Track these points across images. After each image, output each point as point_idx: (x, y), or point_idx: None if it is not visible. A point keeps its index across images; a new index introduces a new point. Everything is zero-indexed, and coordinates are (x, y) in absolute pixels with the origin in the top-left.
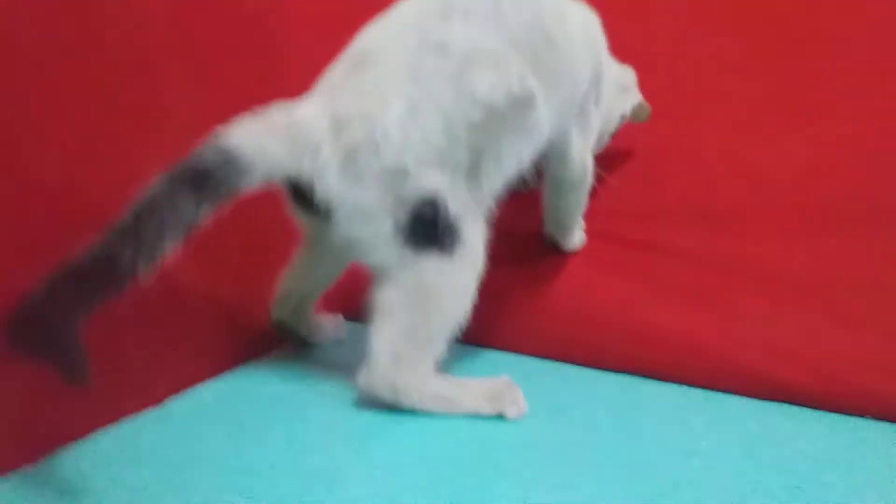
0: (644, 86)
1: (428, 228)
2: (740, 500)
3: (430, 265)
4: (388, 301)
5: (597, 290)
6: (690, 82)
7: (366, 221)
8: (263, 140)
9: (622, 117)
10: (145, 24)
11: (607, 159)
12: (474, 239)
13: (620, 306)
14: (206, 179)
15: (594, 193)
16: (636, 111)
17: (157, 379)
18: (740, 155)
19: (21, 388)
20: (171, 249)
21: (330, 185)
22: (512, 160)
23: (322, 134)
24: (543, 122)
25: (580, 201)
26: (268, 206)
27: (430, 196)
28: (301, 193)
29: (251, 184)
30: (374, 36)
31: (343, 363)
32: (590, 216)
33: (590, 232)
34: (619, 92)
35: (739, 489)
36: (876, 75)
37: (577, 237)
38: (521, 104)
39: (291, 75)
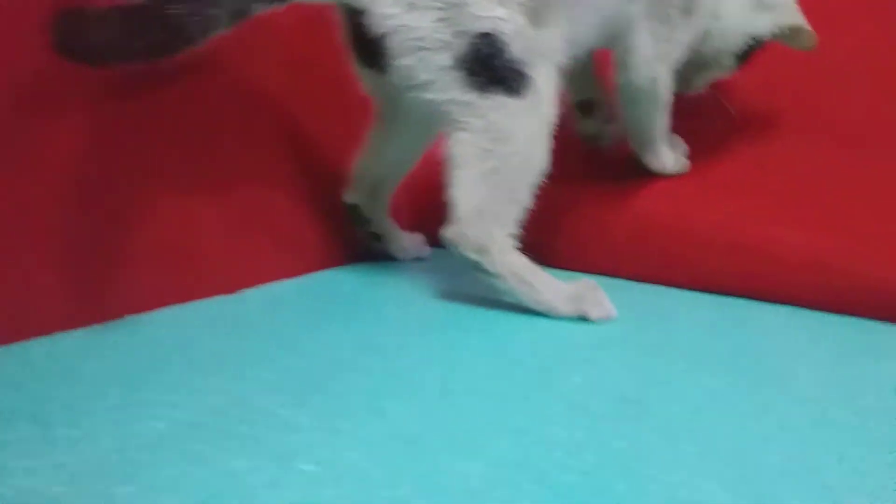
0: None
1: (490, 64)
2: None
3: (498, 106)
4: (461, 148)
5: (700, 206)
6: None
7: (423, 52)
8: None
9: (754, 38)
10: None
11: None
12: (544, 86)
13: (726, 222)
14: None
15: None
16: (790, 36)
17: (234, 269)
18: (863, 65)
19: (100, 249)
20: (221, 27)
21: (387, 9)
22: (571, 16)
23: None
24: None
25: (652, 116)
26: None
27: (489, 30)
28: (362, 39)
29: None
30: None
31: (427, 281)
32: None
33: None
34: (752, 8)
35: None
36: None
37: (666, 159)
38: None
39: None
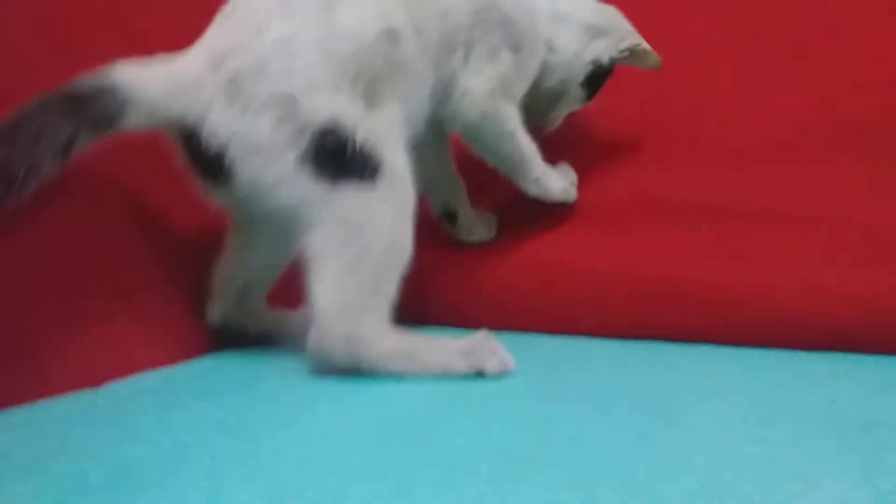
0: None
1: (337, 157)
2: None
3: (351, 197)
4: (317, 246)
5: (599, 248)
6: (691, 24)
7: (265, 155)
8: (145, 76)
9: (595, 65)
10: None
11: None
12: (397, 166)
13: (628, 263)
14: (82, 103)
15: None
16: (633, 58)
17: (98, 359)
18: (748, 93)
19: None
20: (48, 168)
21: (218, 120)
22: (400, 92)
23: (202, 71)
24: (415, 58)
25: (504, 149)
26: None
27: (331, 122)
28: (199, 153)
29: (133, 121)
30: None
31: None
32: (583, 168)
33: (585, 186)
34: (585, 36)
35: None
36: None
37: (548, 183)
38: (385, 39)
39: None
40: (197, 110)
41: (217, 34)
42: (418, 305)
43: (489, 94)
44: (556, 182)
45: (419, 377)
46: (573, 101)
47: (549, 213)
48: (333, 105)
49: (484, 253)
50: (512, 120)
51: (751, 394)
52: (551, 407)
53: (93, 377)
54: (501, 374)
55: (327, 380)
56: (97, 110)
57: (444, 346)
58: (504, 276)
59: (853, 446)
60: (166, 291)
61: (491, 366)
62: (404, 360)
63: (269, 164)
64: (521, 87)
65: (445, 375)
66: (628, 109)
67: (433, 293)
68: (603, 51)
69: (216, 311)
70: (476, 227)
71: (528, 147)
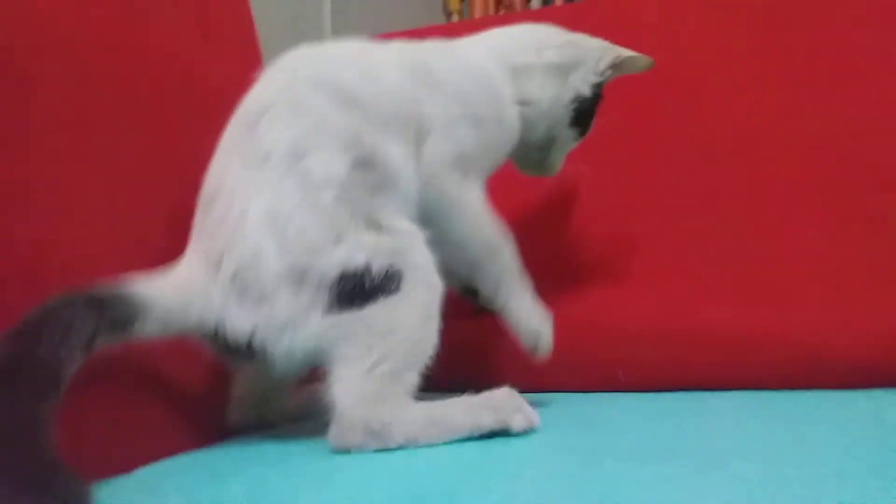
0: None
1: (359, 290)
2: None
3: (379, 310)
4: (342, 354)
5: (626, 302)
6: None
7: (293, 327)
8: (157, 288)
9: (578, 100)
10: None
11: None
12: (420, 263)
13: (652, 313)
14: (102, 306)
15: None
16: (623, 68)
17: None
18: (766, 133)
19: None
20: (70, 365)
21: (237, 317)
22: (399, 200)
23: (204, 276)
24: (396, 165)
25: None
26: None
27: (344, 270)
28: (228, 348)
29: (148, 329)
30: (210, 174)
31: None
32: (594, 224)
33: (600, 239)
34: (554, 77)
35: None
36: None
37: (521, 312)
38: (360, 169)
39: None
40: (213, 314)
41: (204, 232)
42: (445, 371)
43: (446, 173)
44: (530, 314)
45: (448, 441)
46: (567, 142)
47: (573, 271)
48: (340, 253)
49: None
50: (477, 205)
51: (789, 435)
52: (584, 463)
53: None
54: (527, 431)
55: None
56: (114, 315)
57: (467, 405)
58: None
59: None
60: (191, 378)
61: (517, 422)
62: (431, 428)
63: (299, 332)
64: (492, 160)
65: (473, 434)
66: (644, 157)
67: (459, 358)
68: (581, 83)
69: (236, 416)
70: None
71: (497, 238)
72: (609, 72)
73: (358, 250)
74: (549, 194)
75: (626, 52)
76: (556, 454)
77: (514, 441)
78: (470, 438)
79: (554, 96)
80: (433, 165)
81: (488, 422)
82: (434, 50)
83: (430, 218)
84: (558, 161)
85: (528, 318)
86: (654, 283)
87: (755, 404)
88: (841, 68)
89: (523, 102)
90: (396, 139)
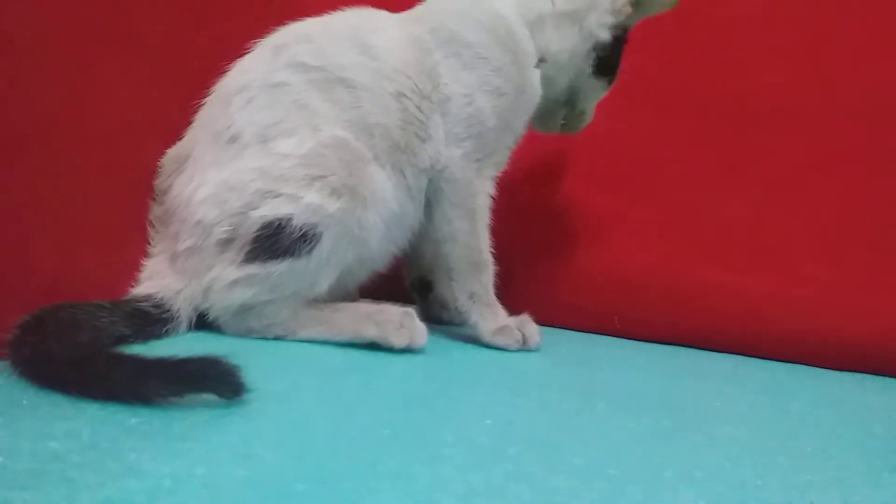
0: None
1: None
2: None
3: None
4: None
5: (631, 252)
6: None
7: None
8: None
9: (596, 46)
10: None
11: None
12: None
13: (659, 267)
14: (141, 320)
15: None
16: (642, 9)
17: None
18: (785, 112)
19: None
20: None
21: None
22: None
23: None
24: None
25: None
26: None
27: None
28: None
29: (184, 326)
30: (182, 142)
31: None
32: (617, 184)
33: (615, 199)
34: (570, 26)
35: None
36: None
37: (484, 316)
38: (334, 149)
39: None
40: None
41: (164, 211)
42: None
43: (460, 169)
44: (492, 321)
45: (329, 341)
46: (594, 93)
47: (585, 217)
48: (268, 207)
49: (524, 251)
50: (481, 211)
51: (778, 407)
52: (579, 404)
53: None
54: (409, 348)
55: (357, 353)
56: (147, 322)
57: (356, 312)
58: (540, 271)
59: (885, 465)
60: None
61: (397, 338)
62: (315, 326)
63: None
64: (511, 139)
65: (355, 341)
66: (673, 113)
67: None
68: (597, 26)
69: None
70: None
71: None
72: (628, 9)
73: (287, 204)
74: (571, 142)
75: None
76: (552, 390)
77: (513, 371)
78: (367, 347)
79: (571, 46)
80: (448, 157)
81: (370, 333)
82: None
83: (430, 205)
84: (588, 114)
85: (505, 330)
86: (663, 238)
87: (746, 371)
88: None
89: (543, 59)
90: (399, 116)
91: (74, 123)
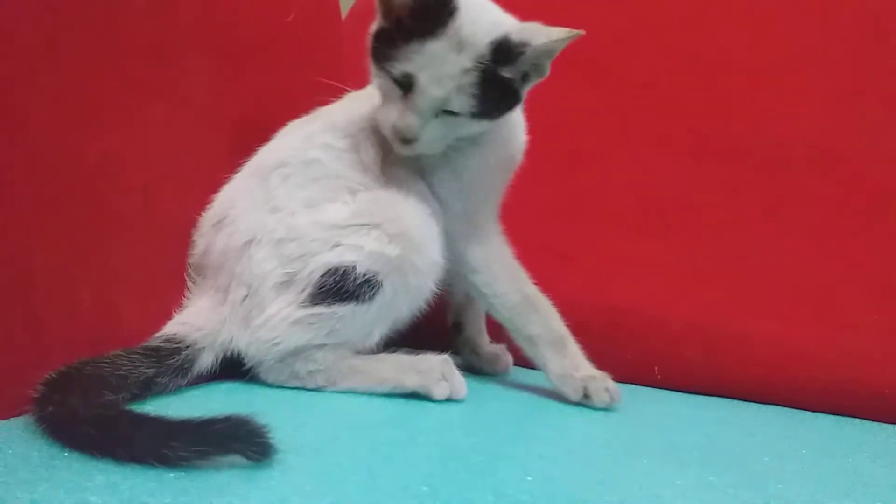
0: None
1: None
2: None
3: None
4: None
5: (671, 300)
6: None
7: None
8: (199, 318)
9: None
10: None
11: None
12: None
13: (700, 315)
14: (156, 355)
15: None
16: (549, 47)
17: None
18: (826, 158)
19: None
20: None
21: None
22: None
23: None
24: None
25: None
26: None
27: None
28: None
29: (208, 361)
30: (219, 202)
31: None
32: (657, 230)
33: (654, 245)
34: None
35: None
36: None
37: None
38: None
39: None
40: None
41: (209, 264)
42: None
43: (459, 234)
44: (557, 363)
45: (369, 392)
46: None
47: (627, 263)
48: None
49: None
50: (495, 261)
51: (830, 463)
52: (620, 458)
53: None
54: (449, 399)
55: (392, 404)
56: (171, 359)
57: (397, 362)
58: (578, 320)
59: None
60: None
61: (439, 390)
62: (354, 376)
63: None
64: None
65: (396, 392)
66: (709, 170)
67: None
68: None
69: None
70: (481, 351)
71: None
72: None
73: (349, 252)
74: (610, 187)
75: (563, 31)
76: (594, 445)
77: (553, 425)
78: (401, 397)
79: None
80: (447, 227)
81: (411, 383)
82: None
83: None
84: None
85: (567, 378)
86: (704, 286)
87: (793, 424)
88: None
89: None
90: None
91: (119, 174)
